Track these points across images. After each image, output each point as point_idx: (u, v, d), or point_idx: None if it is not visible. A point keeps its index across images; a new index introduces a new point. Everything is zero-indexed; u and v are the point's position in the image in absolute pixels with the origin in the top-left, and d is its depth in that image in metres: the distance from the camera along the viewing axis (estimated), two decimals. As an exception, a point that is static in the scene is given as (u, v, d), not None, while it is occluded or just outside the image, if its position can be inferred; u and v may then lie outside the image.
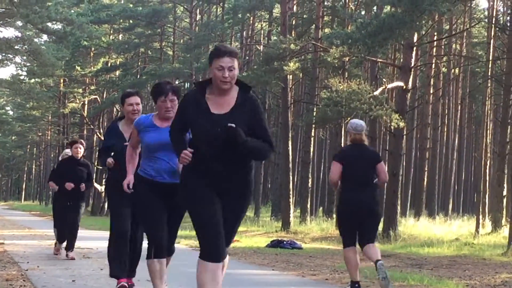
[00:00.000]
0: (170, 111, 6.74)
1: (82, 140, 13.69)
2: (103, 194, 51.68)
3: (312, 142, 33.08)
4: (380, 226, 26.21)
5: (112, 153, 7.97)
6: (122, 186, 7.00)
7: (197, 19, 51.82)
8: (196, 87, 5.48)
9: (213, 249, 5.25)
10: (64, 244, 13.04)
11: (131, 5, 50.31)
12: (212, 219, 5.29)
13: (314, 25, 35.99)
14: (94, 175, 56.07)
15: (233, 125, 5.18)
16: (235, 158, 5.32)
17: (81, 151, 12.73)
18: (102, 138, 9.09)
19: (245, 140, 5.19)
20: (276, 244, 19.22)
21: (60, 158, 14.10)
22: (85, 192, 12.88)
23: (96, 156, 60.51)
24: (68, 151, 13.13)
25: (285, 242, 19.46)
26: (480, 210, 27.88)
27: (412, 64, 26.01)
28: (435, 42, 34.90)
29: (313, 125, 30.98)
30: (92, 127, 54.47)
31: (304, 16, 41.56)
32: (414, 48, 26.15)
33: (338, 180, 8.98)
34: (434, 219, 32.62)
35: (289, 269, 12.41)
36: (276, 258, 14.83)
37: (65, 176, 12.65)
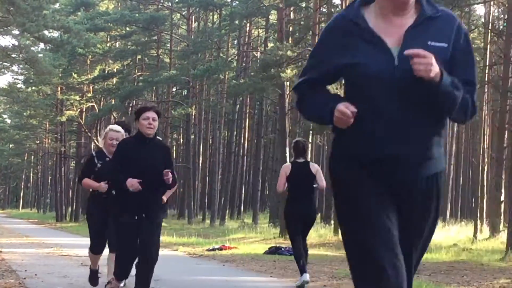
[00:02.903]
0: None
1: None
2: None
3: (309, 149, 33.09)
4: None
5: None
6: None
7: (194, 26, 51.89)
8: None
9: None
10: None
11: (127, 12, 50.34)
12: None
13: (311, 31, 36.04)
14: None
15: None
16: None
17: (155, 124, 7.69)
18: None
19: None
20: (274, 250, 19.19)
21: (101, 141, 9.28)
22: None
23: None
24: (115, 129, 9.01)
25: (283, 249, 19.43)
26: (478, 215, 27.88)
27: (409, 70, 26.01)
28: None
29: (311, 132, 30.98)
30: (89, 134, 54.44)
31: (301, 22, 41.60)
32: (411, 54, 26.16)
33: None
34: (432, 225, 32.59)
35: (287, 276, 12.40)
36: (274, 265, 14.82)
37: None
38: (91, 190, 9.03)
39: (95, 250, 9.50)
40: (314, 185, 10.44)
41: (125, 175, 7.21)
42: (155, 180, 7.24)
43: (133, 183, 7.24)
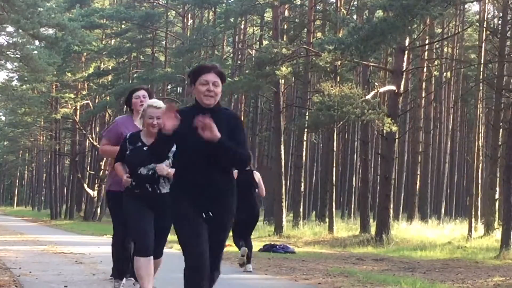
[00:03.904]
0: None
1: None
2: (96, 199, 51.62)
3: (304, 146, 33.07)
4: (373, 230, 26.28)
5: None
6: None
7: (189, 24, 51.83)
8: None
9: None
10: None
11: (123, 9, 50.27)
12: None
13: (305, 29, 36.07)
14: (87, 179, 56.16)
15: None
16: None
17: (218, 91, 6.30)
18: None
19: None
20: (268, 248, 19.21)
21: (139, 121, 7.79)
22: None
23: (89, 161, 60.59)
24: (155, 104, 7.33)
25: (277, 246, 19.45)
26: (473, 213, 27.91)
27: (404, 68, 26.07)
28: (426, 46, 34.99)
29: (306, 129, 30.99)
30: (84, 132, 54.38)
31: (296, 20, 41.58)
32: (406, 52, 26.22)
33: None
34: (427, 223, 32.65)
35: (282, 274, 12.40)
36: (269, 263, 14.82)
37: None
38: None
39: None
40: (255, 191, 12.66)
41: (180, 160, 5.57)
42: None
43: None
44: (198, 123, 5.12)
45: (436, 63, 40.80)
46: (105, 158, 50.58)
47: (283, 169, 31.49)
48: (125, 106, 9.59)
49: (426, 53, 36.72)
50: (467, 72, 47.69)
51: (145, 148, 7.14)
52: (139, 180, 7.19)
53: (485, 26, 30.96)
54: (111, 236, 9.12)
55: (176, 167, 5.60)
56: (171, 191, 5.68)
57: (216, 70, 5.57)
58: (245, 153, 5.41)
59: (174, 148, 6.20)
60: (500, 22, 30.56)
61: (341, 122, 28.20)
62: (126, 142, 7.34)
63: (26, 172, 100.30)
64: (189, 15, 52.33)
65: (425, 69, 37.27)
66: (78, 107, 54.65)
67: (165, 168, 7.04)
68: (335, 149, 32.42)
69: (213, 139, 5.12)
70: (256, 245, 21.02)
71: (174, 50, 50.18)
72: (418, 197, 36.82)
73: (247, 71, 32.76)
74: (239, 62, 48.73)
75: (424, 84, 38.03)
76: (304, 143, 32.99)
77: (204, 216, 5.38)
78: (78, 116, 54.25)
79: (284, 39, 33.06)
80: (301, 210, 33.93)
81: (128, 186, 7.29)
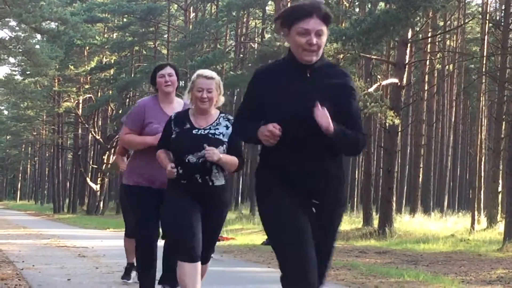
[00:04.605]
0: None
1: None
2: (98, 193, 51.64)
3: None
4: (376, 223, 26.27)
5: None
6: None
7: (191, 17, 51.78)
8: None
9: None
10: None
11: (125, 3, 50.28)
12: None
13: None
14: (90, 173, 56.17)
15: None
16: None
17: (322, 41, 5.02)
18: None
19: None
20: (271, 241, 19.17)
21: (187, 95, 6.26)
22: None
23: (91, 155, 60.58)
24: (206, 74, 6.17)
25: (280, 240, 19.44)
26: (475, 206, 27.89)
27: (407, 61, 26.01)
28: (429, 39, 34.90)
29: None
30: (87, 126, 54.39)
31: (298, 13, 41.47)
32: (409, 45, 26.14)
33: None
34: (430, 216, 32.62)
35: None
36: (272, 256, 14.81)
37: None
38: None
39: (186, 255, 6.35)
40: None
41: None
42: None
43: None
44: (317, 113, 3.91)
45: (438, 56, 40.73)
46: (108, 152, 50.77)
47: (285, 162, 31.48)
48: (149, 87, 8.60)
49: (428, 45, 36.64)
50: (469, 65, 47.62)
51: (194, 131, 5.90)
52: (187, 169, 5.84)
53: (487, 18, 30.89)
54: (124, 233, 9.11)
55: (263, 147, 4.12)
56: (258, 176, 4.20)
57: (319, 13, 4.03)
58: (363, 138, 4.16)
59: (229, 131, 5.84)
60: (502, 14, 30.49)
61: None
62: (171, 124, 6.03)
63: (29, 166, 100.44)
64: (191, 9, 52.25)
65: (427, 62, 37.20)
66: (81, 101, 54.69)
67: (217, 153, 5.75)
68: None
69: (326, 131, 3.91)
70: (259, 238, 21.05)
71: (176, 43, 50.15)
72: (421, 190, 36.80)
73: (249, 65, 32.74)
74: (241, 55, 48.70)
75: (426, 77, 37.96)
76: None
77: (307, 209, 4.04)
78: (80, 110, 54.27)
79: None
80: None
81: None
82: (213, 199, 5.92)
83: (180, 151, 5.86)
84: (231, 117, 6.02)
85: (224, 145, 5.84)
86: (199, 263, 5.75)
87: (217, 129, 5.94)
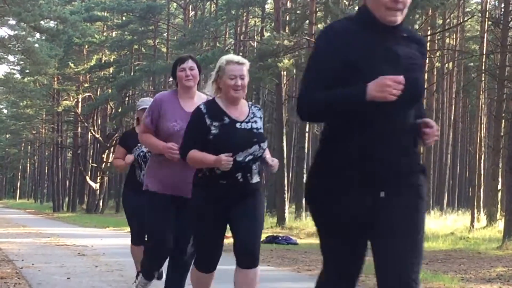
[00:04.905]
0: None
1: None
2: (98, 191, 51.64)
3: (306, 138, 33.04)
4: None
5: None
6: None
7: (191, 16, 51.75)
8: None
9: None
10: None
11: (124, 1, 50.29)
12: None
13: (307, 20, 35.97)
14: (90, 172, 56.12)
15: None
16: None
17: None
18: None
19: None
20: (271, 239, 19.21)
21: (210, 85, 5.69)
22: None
23: (91, 154, 60.56)
24: (236, 60, 5.57)
25: (280, 238, 19.45)
26: (475, 204, 27.92)
27: (406, 59, 25.96)
28: (428, 37, 34.88)
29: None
30: (86, 124, 54.36)
31: (298, 11, 41.49)
32: (408, 43, 26.10)
33: None
34: (429, 214, 32.60)
35: (284, 265, 12.40)
36: (271, 254, 14.83)
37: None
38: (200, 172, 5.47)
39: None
40: None
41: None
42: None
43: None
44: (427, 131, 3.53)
45: (438, 54, 40.72)
46: (107, 151, 50.77)
47: (285, 161, 31.47)
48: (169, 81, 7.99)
49: (428, 44, 36.65)
50: (469, 63, 47.61)
51: (238, 125, 5.27)
52: (232, 168, 5.17)
53: (487, 16, 30.90)
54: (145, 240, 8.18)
55: (336, 124, 3.46)
56: (322, 162, 3.49)
57: None
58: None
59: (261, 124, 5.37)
60: (502, 12, 30.49)
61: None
62: (204, 118, 5.24)
63: (28, 165, 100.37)
64: (191, 7, 52.24)
65: (427, 60, 37.17)
66: (80, 100, 54.65)
67: (276, 161, 5.54)
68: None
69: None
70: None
71: (176, 42, 50.12)
72: (421, 188, 36.76)
73: (249, 63, 32.69)
74: (241, 54, 48.65)
75: (426, 75, 37.97)
76: (306, 134, 32.95)
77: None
78: (80, 109, 54.24)
79: (286, 31, 33.01)
80: (304, 201, 33.94)
81: (201, 175, 5.34)
82: (252, 197, 5.38)
83: (228, 150, 5.13)
84: (259, 106, 5.67)
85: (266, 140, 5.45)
86: (213, 273, 5.71)
87: (255, 121, 5.39)
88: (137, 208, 7.86)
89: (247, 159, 5.22)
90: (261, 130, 5.38)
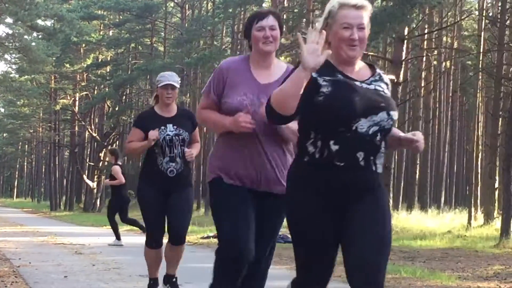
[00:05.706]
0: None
1: None
2: (95, 190, 51.61)
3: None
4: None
5: None
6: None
7: (188, 14, 51.73)
8: None
9: None
10: None
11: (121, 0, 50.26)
12: None
13: (304, 19, 35.97)
14: (87, 171, 56.09)
15: None
16: None
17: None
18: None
19: None
20: (268, 238, 19.16)
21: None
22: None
23: (88, 152, 60.51)
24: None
25: (278, 236, 19.42)
26: (472, 202, 27.91)
27: (403, 57, 26.00)
28: (426, 35, 34.91)
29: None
30: (83, 123, 54.33)
31: (295, 10, 41.49)
32: (405, 41, 26.14)
33: None
34: (427, 212, 32.63)
35: (282, 263, 12.39)
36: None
37: None
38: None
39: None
40: None
41: None
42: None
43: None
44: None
45: (435, 52, 40.73)
46: (104, 150, 50.68)
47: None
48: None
49: (425, 42, 36.66)
50: (466, 61, 47.63)
51: (358, 83, 3.81)
52: (348, 143, 3.68)
53: (484, 15, 30.91)
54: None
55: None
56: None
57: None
58: None
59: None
60: (499, 11, 30.50)
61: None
62: (317, 77, 3.74)
63: (25, 163, 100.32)
64: (188, 6, 52.20)
65: (424, 59, 37.20)
66: (77, 98, 54.62)
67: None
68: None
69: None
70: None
71: (173, 40, 50.12)
72: (418, 186, 36.80)
73: (246, 61, 32.64)
74: (238, 52, 48.63)
75: (423, 73, 37.97)
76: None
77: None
78: (77, 107, 54.21)
79: (283, 29, 33.01)
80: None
81: (308, 159, 3.74)
82: (371, 193, 3.78)
83: (347, 114, 3.67)
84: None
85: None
86: None
87: (380, 86, 3.93)
88: (154, 204, 6.99)
89: (371, 131, 3.71)
90: (389, 95, 3.94)
